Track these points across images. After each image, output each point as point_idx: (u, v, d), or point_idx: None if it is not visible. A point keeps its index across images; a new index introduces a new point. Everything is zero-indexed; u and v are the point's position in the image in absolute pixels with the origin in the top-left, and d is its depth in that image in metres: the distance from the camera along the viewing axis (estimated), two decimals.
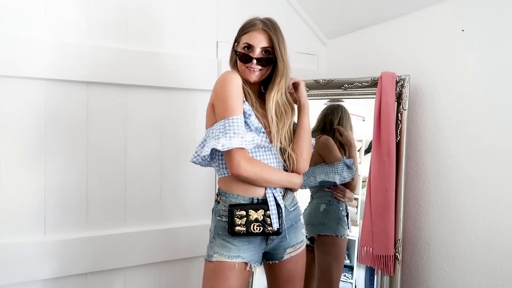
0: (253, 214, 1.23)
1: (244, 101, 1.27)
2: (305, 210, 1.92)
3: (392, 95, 1.65)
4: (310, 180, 1.87)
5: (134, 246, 1.77)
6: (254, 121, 1.26)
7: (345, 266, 1.86)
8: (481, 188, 1.47)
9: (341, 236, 1.83)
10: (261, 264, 1.36)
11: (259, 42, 1.27)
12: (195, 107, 1.92)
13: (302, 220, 1.42)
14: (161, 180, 1.87)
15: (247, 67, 1.29)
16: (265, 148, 1.30)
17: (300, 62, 2.18)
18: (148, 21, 1.81)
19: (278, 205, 1.27)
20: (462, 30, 1.54)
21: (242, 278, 1.27)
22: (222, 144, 1.17)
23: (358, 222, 1.87)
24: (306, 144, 1.36)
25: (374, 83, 1.75)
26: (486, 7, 1.47)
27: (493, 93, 1.44)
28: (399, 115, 1.66)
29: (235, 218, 1.23)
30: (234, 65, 1.37)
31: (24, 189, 1.58)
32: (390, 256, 1.61)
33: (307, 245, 1.44)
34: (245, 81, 1.32)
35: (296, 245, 1.36)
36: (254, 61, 1.27)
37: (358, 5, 1.94)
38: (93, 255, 1.69)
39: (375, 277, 1.70)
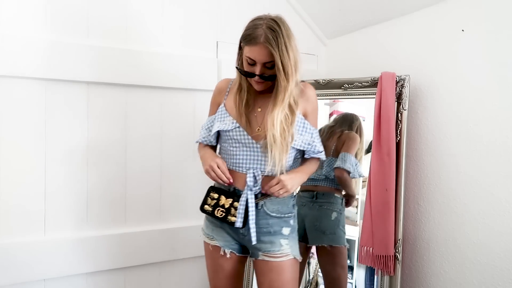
0: (223, 200, 1.31)
1: (223, 100, 1.37)
2: (306, 210, 1.85)
3: (392, 95, 1.65)
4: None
5: (134, 246, 1.77)
6: (214, 122, 1.37)
7: None
8: (481, 188, 1.47)
9: (345, 246, 1.81)
10: (240, 253, 1.37)
11: (260, 58, 1.20)
12: (195, 107, 1.92)
13: (287, 231, 1.32)
14: (161, 180, 1.87)
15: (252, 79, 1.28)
16: (241, 143, 1.30)
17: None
18: (148, 21, 1.81)
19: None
20: (462, 30, 1.54)
21: (219, 261, 1.34)
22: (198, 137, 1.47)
23: (358, 222, 1.86)
24: (306, 170, 1.36)
25: (374, 83, 1.75)
26: (486, 7, 1.46)
27: (493, 93, 1.44)
28: (399, 115, 1.66)
29: (208, 198, 1.35)
30: (240, 66, 1.32)
31: (24, 189, 1.58)
32: (390, 256, 1.61)
33: (302, 241, 1.40)
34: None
35: (270, 251, 1.29)
36: (257, 77, 1.24)
37: (358, 5, 1.93)
38: (93, 255, 1.69)
39: (375, 277, 1.70)
